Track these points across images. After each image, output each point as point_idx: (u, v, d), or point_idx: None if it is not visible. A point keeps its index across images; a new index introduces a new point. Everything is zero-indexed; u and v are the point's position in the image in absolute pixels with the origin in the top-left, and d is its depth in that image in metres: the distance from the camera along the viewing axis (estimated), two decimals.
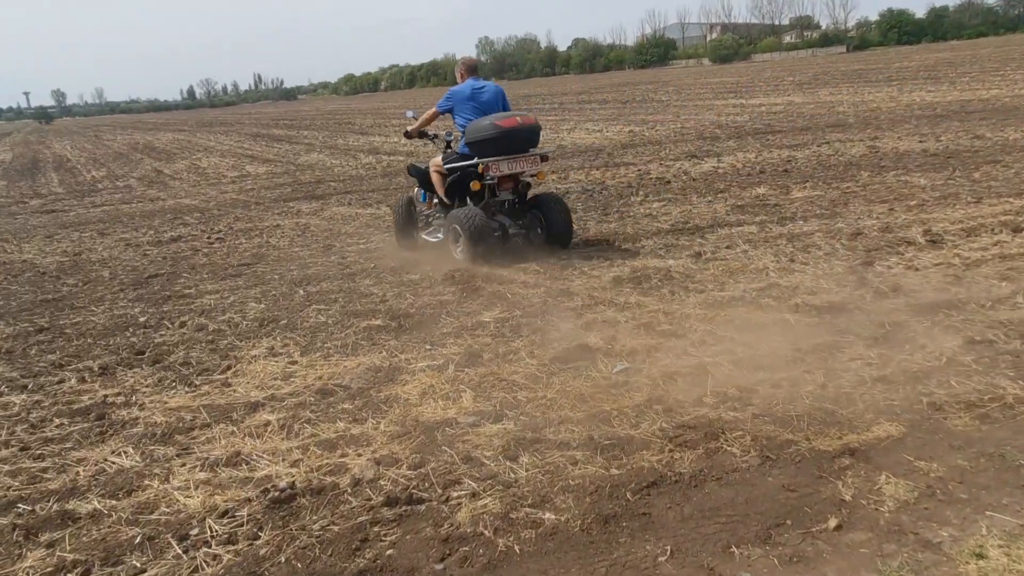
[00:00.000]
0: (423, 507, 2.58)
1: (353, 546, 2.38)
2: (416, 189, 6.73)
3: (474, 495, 2.62)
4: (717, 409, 3.14)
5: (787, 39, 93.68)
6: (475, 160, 5.69)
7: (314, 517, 2.58)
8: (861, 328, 3.93)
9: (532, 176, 5.90)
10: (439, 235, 6.15)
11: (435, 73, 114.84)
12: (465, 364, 3.82)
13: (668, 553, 2.22)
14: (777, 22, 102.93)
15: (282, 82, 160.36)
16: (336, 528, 2.49)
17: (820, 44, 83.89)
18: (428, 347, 4.10)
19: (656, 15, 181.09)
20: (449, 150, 6.23)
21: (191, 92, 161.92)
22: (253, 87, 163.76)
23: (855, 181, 8.32)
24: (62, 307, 5.56)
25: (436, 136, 6.49)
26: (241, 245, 7.59)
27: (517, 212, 6.09)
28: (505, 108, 6.06)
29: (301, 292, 5.43)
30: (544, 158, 5.88)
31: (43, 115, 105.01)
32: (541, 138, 5.98)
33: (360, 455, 2.99)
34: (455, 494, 2.65)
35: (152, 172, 17.49)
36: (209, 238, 8.11)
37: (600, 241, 6.35)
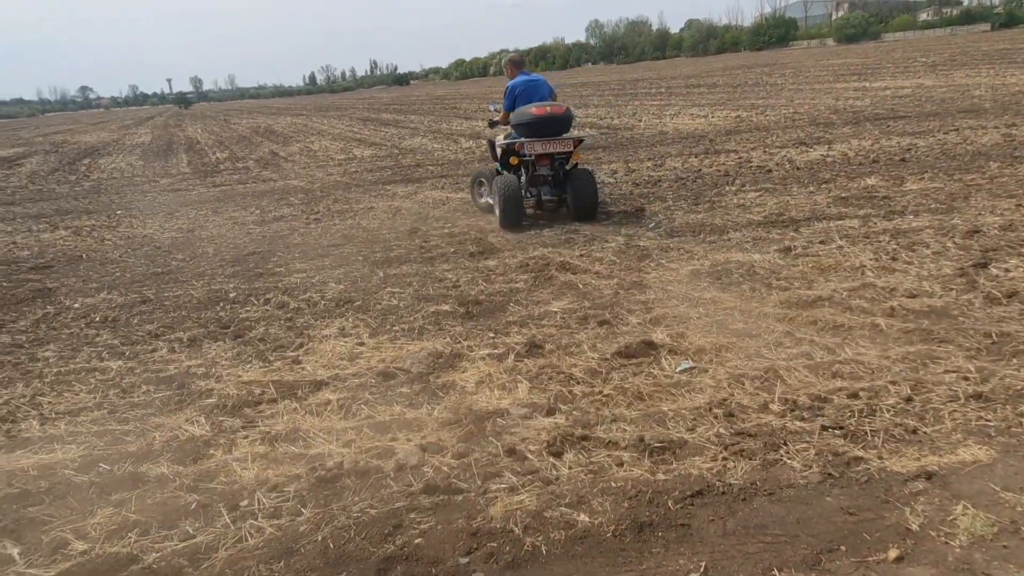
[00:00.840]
0: (460, 498, 2.58)
1: (386, 531, 2.41)
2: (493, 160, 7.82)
3: (512, 489, 2.59)
4: (783, 418, 2.94)
5: (923, 17, 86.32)
6: (516, 139, 6.80)
7: (355, 498, 2.63)
8: (963, 337, 3.55)
9: (565, 155, 6.88)
10: (489, 199, 7.46)
11: (543, 57, 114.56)
12: (525, 354, 3.77)
13: (702, 570, 2.10)
14: None
15: (396, 68, 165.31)
16: (373, 512, 2.53)
17: (961, 22, 76.66)
18: (492, 335, 4.09)
19: None
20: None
21: (312, 78, 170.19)
22: (369, 73, 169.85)
23: (981, 173, 7.53)
24: (167, 280, 5.98)
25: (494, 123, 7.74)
26: (335, 226, 7.88)
27: (554, 184, 7.13)
28: (545, 94, 7.14)
29: (380, 274, 5.56)
30: (579, 141, 6.88)
31: (182, 100, 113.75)
32: (574, 124, 7.18)
33: (409, 440, 3.02)
34: (494, 487, 2.62)
35: (268, 154, 18.48)
36: (307, 219, 8.48)
37: (684, 232, 6.10)
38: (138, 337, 4.55)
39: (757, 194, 7.48)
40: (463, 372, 3.65)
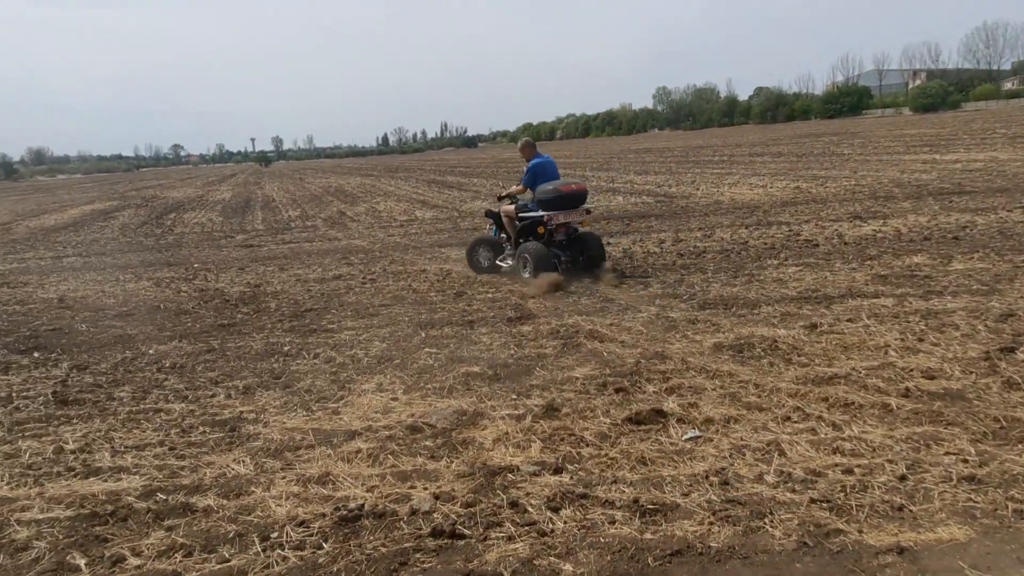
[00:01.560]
0: (462, 542, 2.85)
1: (392, 567, 2.70)
2: (489, 227, 9.19)
3: (509, 538, 2.84)
4: (776, 488, 3.10)
5: (1008, 86, 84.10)
6: (541, 213, 7.99)
7: (370, 537, 2.93)
8: (972, 421, 3.64)
9: (578, 224, 8.21)
10: (509, 262, 8.54)
11: (609, 123, 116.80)
12: (543, 416, 4.04)
13: None
14: (996, 67, 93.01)
15: (465, 130, 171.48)
16: (384, 549, 2.83)
17: None
18: (514, 397, 4.39)
19: (849, 61, 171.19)
20: (519, 202, 8.58)
21: (385, 139, 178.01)
22: (439, 135, 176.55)
23: None
24: (232, 332, 6.55)
25: (511, 196, 8.90)
26: (388, 287, 8.40)
27: (567, 247, 8.22)
28: (556, 173, 8.45)
29: (422, 335, 5.96)
30: (588, 211, 8.32)
31: (263, 159, 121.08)
32: (588, 198, 8.56)
33: (425, 488, 3.32)
34: (493, 535, 2.88)
35: (336, 214, 19.57)
36: (364, 278, 9.05)
37: (717, 305, 6.29)
38: (200, 383, 5.05)
39: (797, 269, 7.61)
40: (483, 429, 3.94)
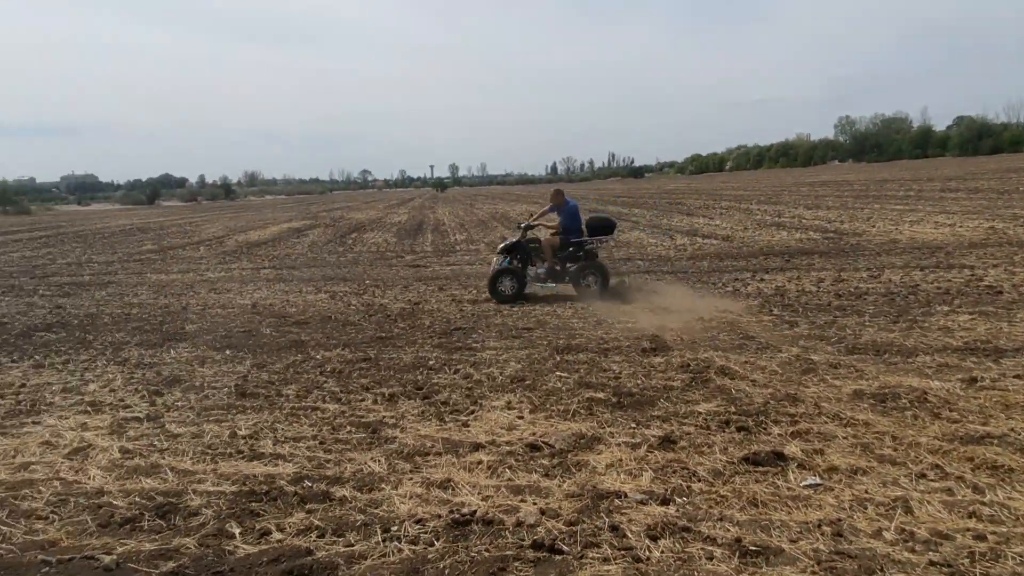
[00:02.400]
0: (559, 557, 2.99)
1: (492, 571, 2.91)
2: (499, 261, 10.15)
3: (605, 560, 2.95)
4: (894, 546, 2.93)
5: None
6: (590, 238, 10.06)
7: (477, 541, 3.17)
8: None
9: (601, 247, 10.38)
10: (551, 283, 9.99)
11: (784, 154, 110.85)
12: (658, 447, 4.08)
13: None
14: None
15: (632, 160, 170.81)
16: (487, 554, 3.05)
17: None
18: (633, 425, 4.45)
19: None
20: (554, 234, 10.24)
21: (554, 168, 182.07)
22: (606, 165, 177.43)
23: None
24: (387, 344, 7.18)
25: (531, 226, 10.39)
26: (533, 311, 8.73)
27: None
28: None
29: (556, 359, 6.18)
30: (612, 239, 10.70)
31: (439, 184, 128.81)
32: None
33: (535, 504, 3.51)
34: (590, 554, 3.00)
35: (499, 239, 20.45)
36: (512, 302, 9.46)
37: (866, 350, 5.90)
38: (353, 388, 5.62)
39: (970, 317, 6.90)
40: (598, 454, 4.06)
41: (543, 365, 6.00)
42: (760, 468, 3.74)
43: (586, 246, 9.99)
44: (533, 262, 10.07)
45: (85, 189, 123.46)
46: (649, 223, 23.08)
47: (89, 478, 4.04)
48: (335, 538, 3.27)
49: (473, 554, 3.06)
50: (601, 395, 5.05)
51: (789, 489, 3.52)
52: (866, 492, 3.42)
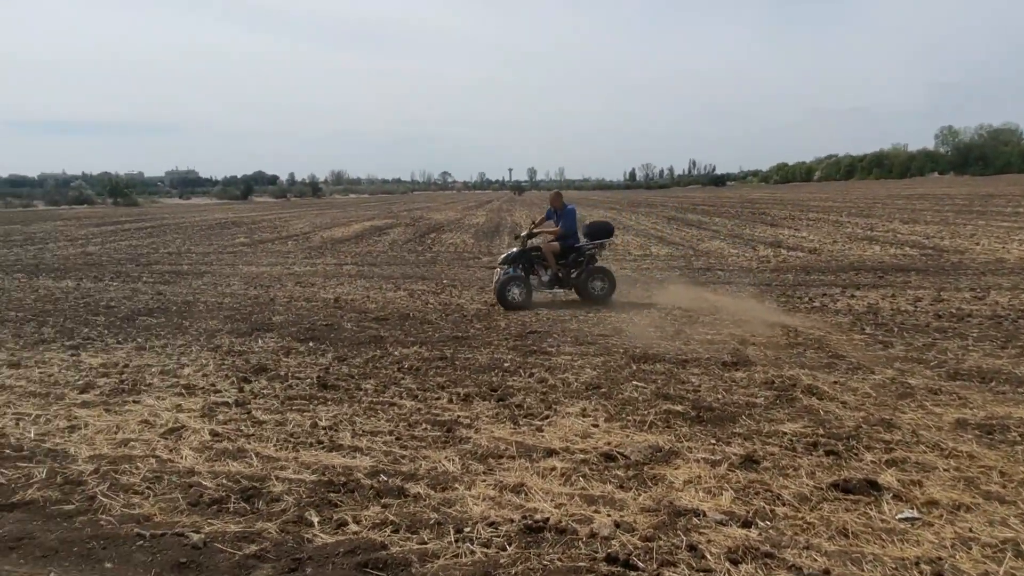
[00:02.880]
0: (634, 573, 2.92)
1: None
2: (503, 270, 10.11)
3: None
4: None
5: None
6: (590, 242, 10.33)
7: (550, 550, 3.13)
8: None
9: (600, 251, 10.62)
10: (557, 288, 10.18)
11: (878, 165, 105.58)
12: (740, 466, 3.92)
13: None
14: None
15: (714, 168, 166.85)
16: (559, 564, 3.00)
17: None
18: (713, 441, 4.30)
19: None
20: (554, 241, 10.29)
21: (632, 174, 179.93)
22: (686, 172, 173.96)
23: None
24: (463, 344, 7.24)
25: (532, 235, 10.51)
26: (609, 318, 8.62)
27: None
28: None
29: (632, 368, 6.06)
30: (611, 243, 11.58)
31: (516, 187, 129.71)
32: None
33: (609, 515, 3.44)
34: (667, 573, 2.91)
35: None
36: (588, 307, 9.37)
37: (971, 376, 5.50)
38: (430, 386, 5.69)
39: None
40: (676, 469, 3.94)
41: (619, 373, 5.90)
42: (851, 496, 3.54)
43: (586, 251, 10.18)
44: (535, 270, 10.20)
45: (187, 184, 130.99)
46: (730, 232, 22.43)
47: (182, 457, 4.25)
48: (409, 534, 3.30)
49: (545, 562, 3.02)
50: (679, 408, 4.92)
51: (883, 521, 3.31)
52: (970, 531, 3.17)
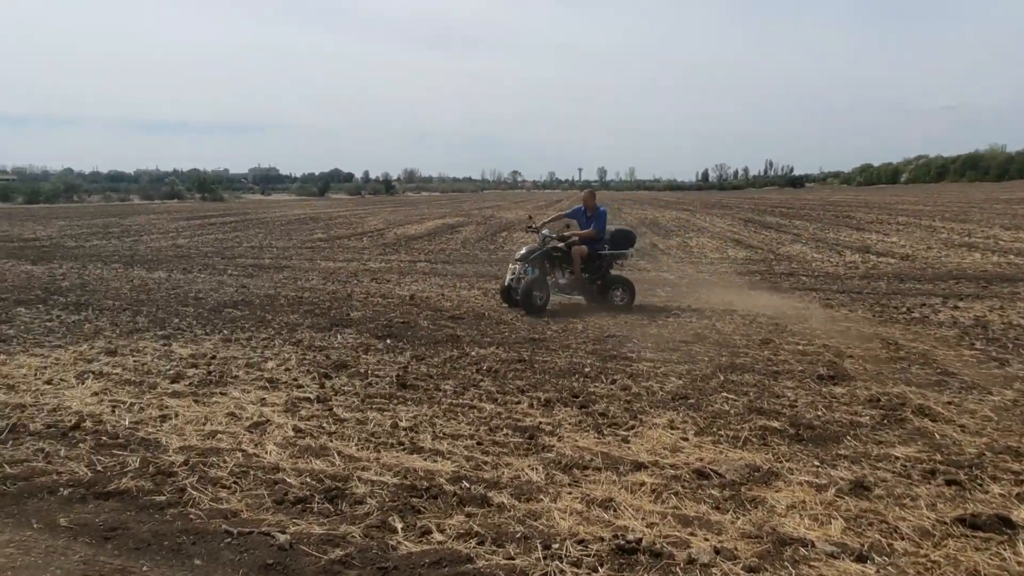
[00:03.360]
0: None
1: None
2: (520, 265, 9.33)
3: None
4: None
5: None
6: (616, 251, 9.80)
7: (644, 573, 2.94)
8: None
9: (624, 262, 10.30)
10: (576, 294, 9.80)
11: (973, 167, 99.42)
12: (849, 492, 3.62)
13: None
14: None
15: (791, 169, 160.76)
16: None
17: None
18: (817, 463, 4.00)
19: None
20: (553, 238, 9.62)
21: (705, 175, 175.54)
22: (762, 173, 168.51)
23: None
24: (540, 346, 7.10)
25: (548, 235, 9.59)
26: (690, 324, 8.30)
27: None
28: None
29: (720, 378, 5.77)
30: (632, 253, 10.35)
31: (585, 187, 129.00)
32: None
33: (706, 540, 3.22)
34: None
35: (648, 245, 19.90)
36: (667, 312, 9.07)
37: None
38: (509, 389, 5.56)
39: None
40: (777, 491, 3.67)
41: (707, 383, 5.62)
42: (980, 533, 3.20)
43: (608, 258, 9.65)
44: (552, 272, 9.53)
45: (268, 180, 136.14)
46: (813, 236, 21.47)
47: (266, 453, 4.26)
48: (495, 547, 3.17)
49: None
50: (775, 424, 4.62)
51: (1020, 564, 2.96)
52: None
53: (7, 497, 3.62)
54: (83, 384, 5.63)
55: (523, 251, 9.55)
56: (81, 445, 4.34)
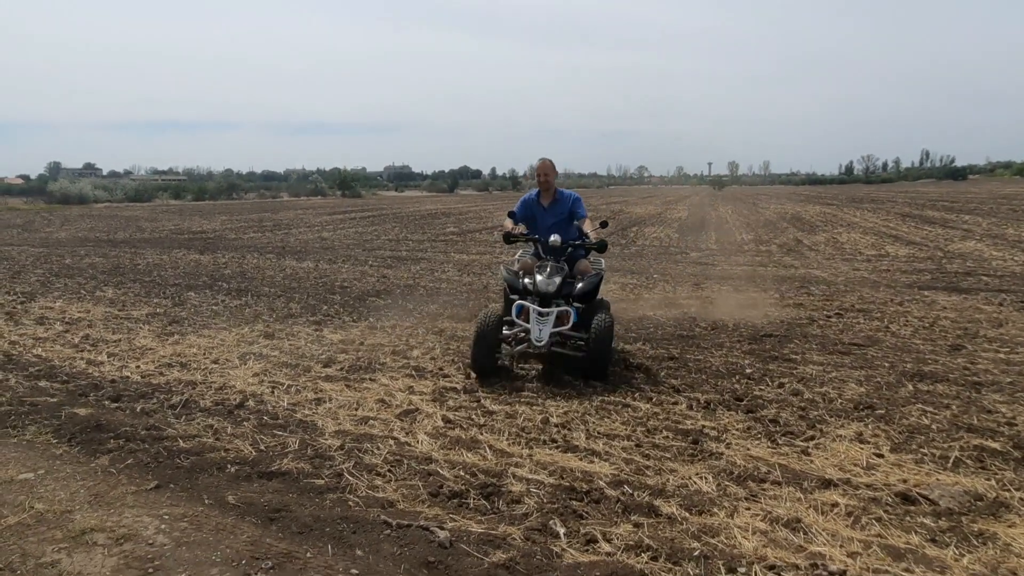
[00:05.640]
0: None
1: None
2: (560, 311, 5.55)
3: None
4: None
5: None
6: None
7: None
8: None
9: None
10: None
11: None
12: None
13: None
14: None
15: (952, 160, 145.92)
16: None
17: None
18: None
19: None
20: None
21: (849, 168, 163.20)
22: (917, 164, 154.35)
23: None
24: (690, 344, 6.63)
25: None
26: (857, 324, 7.49)
27: None
28: None
29: (909, 387, 5.07)
30: None
31: (716, 182, 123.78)
32: None
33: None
34: None
35: (792, 241, 18.60)
36: (826, 311, 8.26)
37: None
38: (663, 388, 5.18)
39: None
40: (1009, 526, 3.07)
41: (894, 392, 4.95)
42: None
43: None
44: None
45: (401, 178, 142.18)
46: (988, 232, 19.14)
47: (418, 442, 4.17)
48: (670, 565, 2.84)
49: None
50: (994, 444, 3.93)
51: None
52: None
53: (181, 471, 3.73)
54: (245, 365, 5.86)
55: (545, 282, 5.51)
56: (245, 424, 4.46)
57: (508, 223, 6.25)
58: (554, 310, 5.34)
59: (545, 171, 6.19)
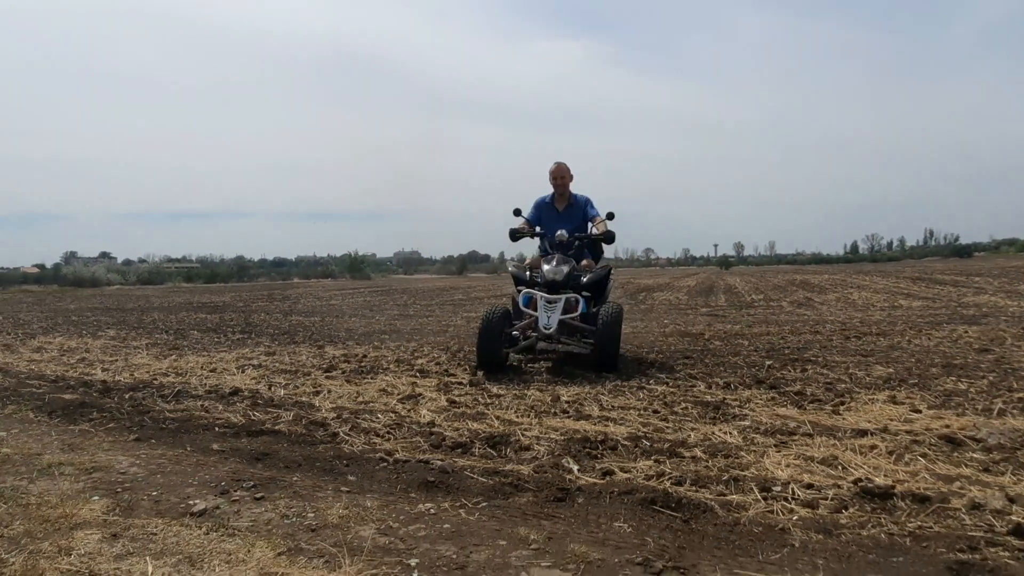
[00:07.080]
0: None
1: (958, 547, 1.94)
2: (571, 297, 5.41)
3: None
4: None
5: None
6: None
7: (910, 518, 2.20)
8: None
9: None
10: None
11: None
12: None
13: None
14: None
15: (956, 237, 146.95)
16: (936, 529, 2.07)
17: None
18: None
19: None
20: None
21: (854, 247, 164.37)
22: (922, 243, 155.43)
23: None
24: (706, 352, 6.36)
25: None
26: (878, 341, 7.22)
27: None
28: None
29: (939, 368, 4.79)
30: None
31: (723, 262, 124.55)
32: None
33: (983, 491, 2.41)
34: None
35: (803, 299, 18.38)
36: (845, 335, 8.01)
37: None
38: (680, 376, 4.92)
39: None
40: None
41: (924, 371, 4.68)
42: None
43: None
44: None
45: (411, 263, 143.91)
46: (1001, 288, 18.91)
47: (420, 416, 3.91)
48: (697, 487, 2.56)
49: (911, 529, 2.11)
50: None
51: None
52: None
53: (166, 432, 3.49)
54: (243, 372, 5.65)
55: (553, 270, 5.37)
56: (238, 404, 4.23)
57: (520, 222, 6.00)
58: (562, 296, 5.15)
59: (561, 174, 5.97)
